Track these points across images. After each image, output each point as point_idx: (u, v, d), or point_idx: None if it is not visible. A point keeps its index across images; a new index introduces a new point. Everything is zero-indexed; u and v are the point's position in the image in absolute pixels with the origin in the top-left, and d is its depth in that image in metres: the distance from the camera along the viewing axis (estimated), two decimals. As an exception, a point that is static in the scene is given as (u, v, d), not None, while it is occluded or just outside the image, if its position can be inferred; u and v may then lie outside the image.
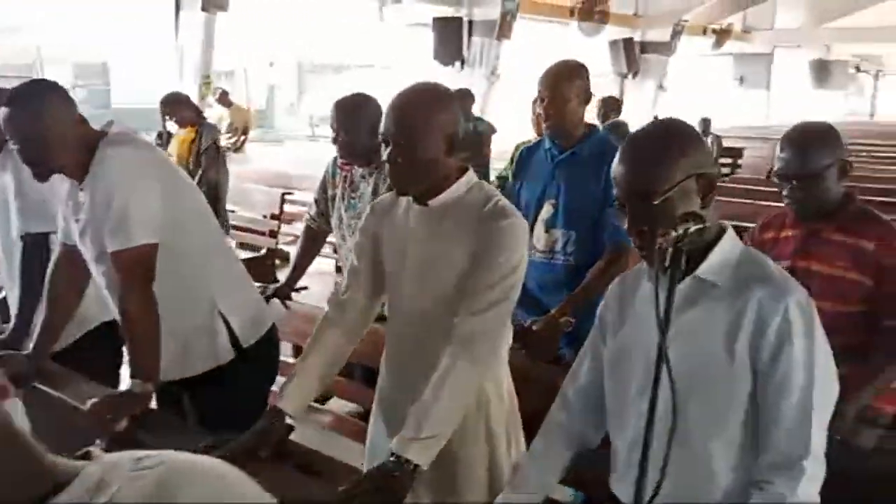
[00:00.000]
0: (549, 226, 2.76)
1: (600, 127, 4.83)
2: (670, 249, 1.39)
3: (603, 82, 15.18)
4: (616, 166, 1.52)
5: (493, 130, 7.28)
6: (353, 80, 27.43)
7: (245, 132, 9.65)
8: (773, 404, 1.43)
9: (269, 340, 2.45)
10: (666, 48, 14.91)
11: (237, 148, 9.54)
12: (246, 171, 7.55)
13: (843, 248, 2.27)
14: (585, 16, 13.42)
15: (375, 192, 2.89)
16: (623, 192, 1.50)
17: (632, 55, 14.73)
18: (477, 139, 7.21)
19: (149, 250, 2.13)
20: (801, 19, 19.53)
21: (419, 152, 1.82)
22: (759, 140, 11.57)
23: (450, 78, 11.79)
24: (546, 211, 2.77)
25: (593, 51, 15.17)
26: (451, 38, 11.87)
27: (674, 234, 1.39)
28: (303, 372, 2.01)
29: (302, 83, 27.92)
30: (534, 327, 2.62)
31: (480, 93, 11.68)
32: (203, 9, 8.76)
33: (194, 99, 8.98)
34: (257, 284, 3.65)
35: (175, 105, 5.89)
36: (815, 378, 1.42)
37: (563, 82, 2.67)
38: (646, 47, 14.97)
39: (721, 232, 1.53)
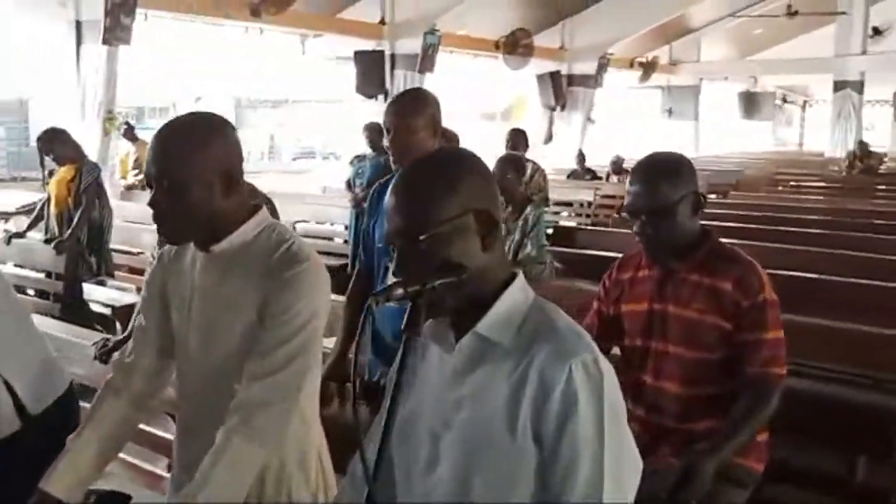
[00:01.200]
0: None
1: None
2: (408, 306, 1.17)
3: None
4: (386, 201, 1.29)
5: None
6: (289, 115, 27.42)
7: (154, 169, 9.23)
8: (558, 488, 1.19)
9: (65, 404, 2.15)
10: (592, 81, 14.94)
11: (144, 185, 9.12)
12: (142, 210, 7.19)
13: (700, 289, 2.07)
14: (510, 49, 13.38)
15: None
16: (390, 230, 1.28)
17: (559, 88, 14.75)
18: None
19: None
20: (727, 52, 19.91)
21: (186, 196, 1.57)
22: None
23: (374, 111, 11.68)
24: (398, 252, 2.52)
25: (525, 82, 15.25)
26: (372, 71, 11.73)
27: (398, 291, 1.17)
28: (77, 448, 1.73)
29: (240, 119, 27.67)
30: (382, 382, 2.37)
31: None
32: (104, 42, 8.43)
33: (97, 135, 8.69)
34: (103, 337, 3.35)
35: (52, 142, 5.54)
36: (607, 457, 1.18)
37: (410, 113, 2.44)
38: (573, 80, 14.99)
39: (510, 279, 1.31)
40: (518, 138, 6.23)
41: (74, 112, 8.81)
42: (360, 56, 11.66)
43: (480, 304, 1.27)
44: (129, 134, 9.18)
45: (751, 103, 20.73)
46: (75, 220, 5.48)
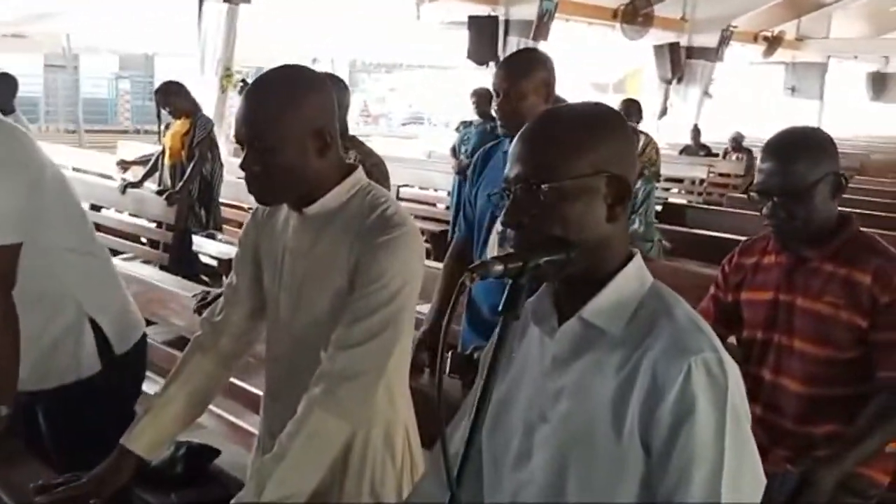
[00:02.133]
0: (504, 240, 2.41)
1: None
2: (507, 286, 1.05)
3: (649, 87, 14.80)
4: (513, 143, 1.18)
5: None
6: (402, 80, 27.49)
7: (266, 126, 9.37)
8: (667, 499, 1.06)
9: (142, 349, 2.17)
10: (713, 54, 14.33)
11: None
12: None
13: (834, 280, 1.88)
14: (628, 18, 12.94)
15: None
16: (509, 175, 1.15)
17: (677, 60, 14.21)
18: (492, 140, 6.83)
19: (7, 252, 1.84)
20: (859, 29, 18.77)
21: (278, 157, 1.49)
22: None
23: (485, 78, 11.58)
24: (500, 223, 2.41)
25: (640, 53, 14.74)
26: (486, 37, 11.56)
27: (497, 267, 1.05)
28: (161, 404, 1.70)
29: (353, 82, 27.97)
30: (475, 356, 2.27)
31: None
32: (225, 0, 8.56)
33: (215, 92, 8.85)
34: (203, 289, 3.37)
35: (168, 95, 5.64)
36: (726, 467, 1.04)
37: (521, 75, 2.31)
38: (692, 53, 14.41)
39: (627, 259, 1.18)
40: (630, 109, 5.99)
41: (195, 68, 9.03)
42: (473, 21, 11.51)
43: (592, 282, 1.15)
44: (245, 91, 9.29)
45: (880, 84, 19.57)
46: (187, 172, 5.58)
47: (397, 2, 12.15)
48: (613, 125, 1.17)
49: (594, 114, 1.18)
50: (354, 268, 1.51)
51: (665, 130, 14.02)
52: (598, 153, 1.12)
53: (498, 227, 2.42)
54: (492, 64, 11.66)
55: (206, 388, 1.75)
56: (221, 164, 5.87)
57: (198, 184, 5.68)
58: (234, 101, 9.62)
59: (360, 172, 1.62)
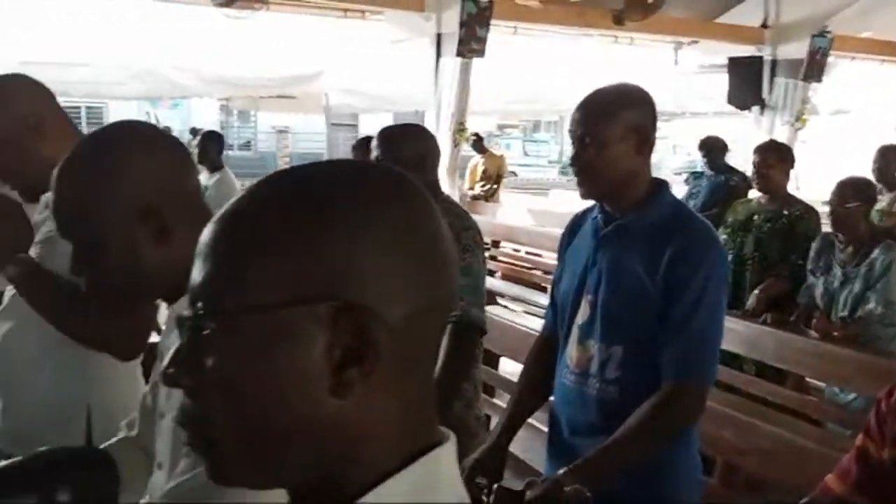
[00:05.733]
0: (584, 335, 1.80)
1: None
2: None
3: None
4: None
5: (747, 186, 6.01)
6: (674, 128, 26.29)
7: (498, 180, 9.28)
8: None
9: None
10: None
11: (489, 195, 9.21)
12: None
13: None
14: (928, 51, 11.23)
15: None
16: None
17: None
18: (727, 194, 6.00)
19: None
20: None
21: (105, 251, 1.14)
22: None
23: (748, 123, 10.71)
24: (583, 312, 1.80)
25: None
26: (748, 79, 10.63)
27: None
28: None
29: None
30: (528, 494, 1.69)
31: (782, 139, 10.20)
32: (458, 54, 8.52)
33: (447, 145, 8.82)
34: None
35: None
36: None
37: (602, 118, 1.70)
38: None
39: (400, 465, 0.61)
40: (889, 156, 4.90)
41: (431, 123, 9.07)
42: (734, 63, 10.60)
43: None
44: (478, 145, 9.28)
45: None
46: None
47: (654, 49, 11.55)
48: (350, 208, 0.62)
49: (290, 197, 0.65)
50: None
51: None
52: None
53: (579, 319, 1.82)
54: (755, 109, 10.70)
55: None
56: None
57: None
58: (467, 154, 9.60)
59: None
